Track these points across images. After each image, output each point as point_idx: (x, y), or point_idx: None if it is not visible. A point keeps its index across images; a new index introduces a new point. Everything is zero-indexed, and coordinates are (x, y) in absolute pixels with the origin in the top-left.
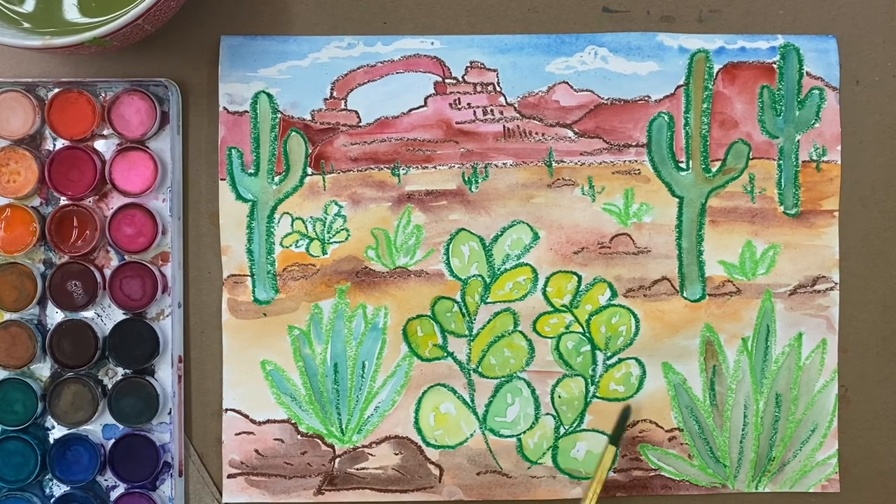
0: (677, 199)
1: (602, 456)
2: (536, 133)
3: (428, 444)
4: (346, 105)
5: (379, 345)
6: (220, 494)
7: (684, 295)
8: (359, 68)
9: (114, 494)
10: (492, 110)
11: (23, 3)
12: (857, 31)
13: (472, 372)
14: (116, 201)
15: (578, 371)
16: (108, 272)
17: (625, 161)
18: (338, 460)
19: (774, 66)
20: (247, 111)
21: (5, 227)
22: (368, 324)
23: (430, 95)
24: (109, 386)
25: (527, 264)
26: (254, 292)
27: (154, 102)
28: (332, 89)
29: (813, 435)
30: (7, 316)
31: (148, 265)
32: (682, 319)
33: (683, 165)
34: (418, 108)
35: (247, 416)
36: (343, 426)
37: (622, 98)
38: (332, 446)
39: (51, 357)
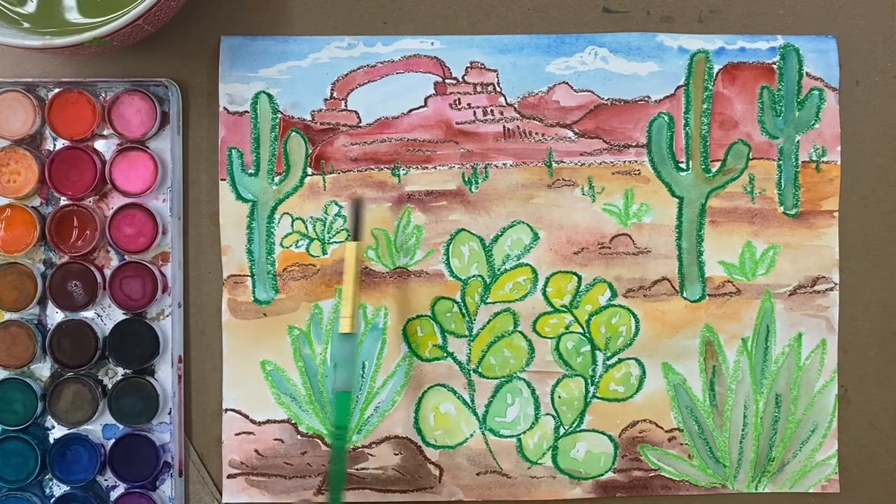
0: (677, 200)
1: (346, 258)
2: (536, 133)
3: (428, 445)
4: (346, 105)
5: (379, 345)
6: (220, 494)
7: (684, 295)
8: (359, 68)
9: (114, 494)
10: (492, 110)
11: (24, 3)
12: (857, 32)
13: (471, 372)
14: (116, 201)
15: (578, 371)
16: (108, 272)
17: (625, 161)
18: None
19: (774, 66)
20: (247, 111)
21: (5, 227)
22: (368, 324)
23: (430, 96)
24: (109, 386)
25: (527, 264)
26: (254, 292)
27: (154, 102)
28: (332, 89)
29: (813, 435)
30: (7, 316)
31: (148, 265)
32: (682, 320)
33: (683, 166)
34: (418, 108)
35: (247, 417)
36: None
37: (622, 98)
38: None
39: (51, 357)
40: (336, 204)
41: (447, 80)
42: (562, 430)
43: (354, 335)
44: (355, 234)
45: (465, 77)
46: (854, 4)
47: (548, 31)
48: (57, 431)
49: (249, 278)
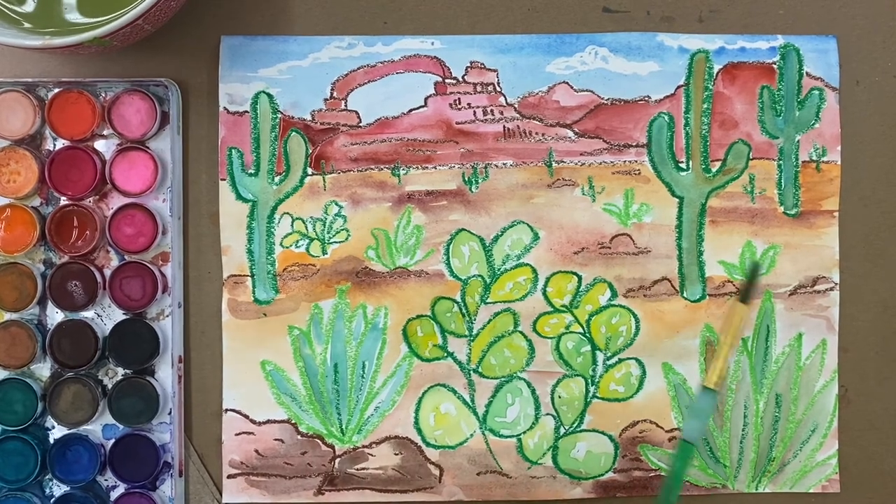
0: (677, 200)
1: (731, 317)
2: (536, 133)
3: (428, 445)
4: (346, 105)
5: (379, 345)
6: (220, 494)
7: (684, 295)
8: (359, 68)
9: (114, 494)
10: (492, 110)
11: (23, 3)
12: (857, 31)
13: (472, 372)
14: (116, 201)
15: (578, 371)
16: (108, 272)
17: (625, 161)
18: (338, 460)
19: (774, 66)
20: (247, 111)
21: (5, 227)
22: (368, 324)
23: (431, 95)
24: (109, 386)
25: (527, 264)
26: (254, 292)
27: (154, 102)
28: (332, 89)
29: (813, 435)
30: (7, 316)
31: (148, 265)
32: (683, 320)
33: (683, 166)
34: (418, 108)
35: (247, 417)
36: (343, 426)
37: (622, 98)
38: (332, 446)
39: (51, 357)
40: (336, 204)
41: (447, 80)
42: (562, 430)
43: (717, 393)
44: (746, 297)
45: (465, 77)
46: (854, 4)
47: (548, 30)
48: (57, 431)
49: (249, 278)
